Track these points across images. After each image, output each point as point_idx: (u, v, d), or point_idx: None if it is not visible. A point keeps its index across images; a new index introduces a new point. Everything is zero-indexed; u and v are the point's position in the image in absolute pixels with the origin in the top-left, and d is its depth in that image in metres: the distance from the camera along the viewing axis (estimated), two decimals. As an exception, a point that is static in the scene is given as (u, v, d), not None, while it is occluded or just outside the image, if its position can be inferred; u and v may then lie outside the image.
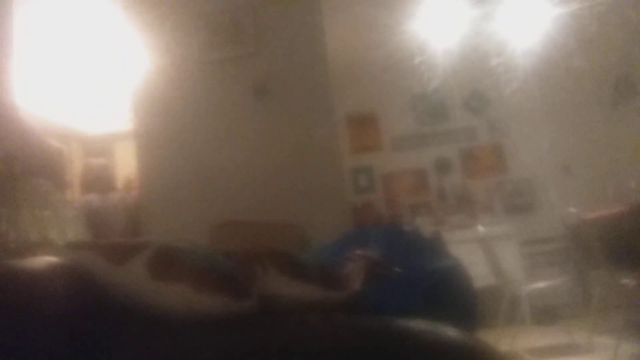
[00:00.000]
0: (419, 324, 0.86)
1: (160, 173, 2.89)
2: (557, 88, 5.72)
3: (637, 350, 3.77)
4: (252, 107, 2.90)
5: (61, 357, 0.83)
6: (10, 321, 0.78)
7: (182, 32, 2.93)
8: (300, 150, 2.89)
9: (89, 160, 4.63)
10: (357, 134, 5.98)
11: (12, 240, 1.09)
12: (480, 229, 4.98)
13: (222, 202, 2.73)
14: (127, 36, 2.99)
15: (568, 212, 4.65)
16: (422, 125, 6.07)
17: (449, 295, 1.06)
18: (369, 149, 5.99)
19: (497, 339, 4.05)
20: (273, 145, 2.89)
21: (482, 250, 4.40)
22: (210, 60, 2.94)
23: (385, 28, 4.60)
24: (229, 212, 2.33)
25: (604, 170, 5.80)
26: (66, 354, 0.83)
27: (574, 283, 4.66)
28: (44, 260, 0.92)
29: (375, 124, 6.01)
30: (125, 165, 4.91)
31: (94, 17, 3.56)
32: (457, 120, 6.09)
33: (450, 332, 0.85)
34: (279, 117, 2.92)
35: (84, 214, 2.54)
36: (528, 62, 5.11)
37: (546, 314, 5.13)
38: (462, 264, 1.14)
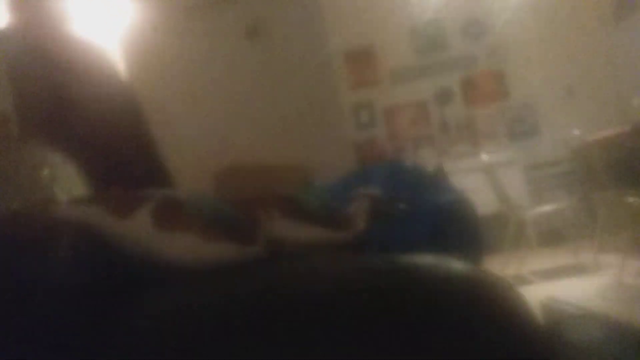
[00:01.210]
0: (424, 259, 0.87)
1: (157, 123, 2.87)
2: (555, 9, 5.59)
3: (643, 267, 3.83)
4: (246, 49, 2.86)
5: (72, 314, 0.83)
6: (14, 282, 0.78)
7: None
8: (297, 89, 2.86)
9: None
10: (356, 68, 5.89)
11: (14, 201, 1.10)
12: (484, 157, 4.97)
13: (222, 146, 2.73)
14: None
15: (571, 135, 4.64)
16: (421, 56, 5.97)
17: (453, 228, 1.06)
18: (368, 84, 5.92)
19: (505, 263, 4.12)
20: (270, 86, 2.87)
21: (487, 178, 4.41)
22: (200, 4, 2.87)
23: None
24: (230, 156, 2.33)
25: (606, 90, 5.74)
26: (77, 311, 0.84)
27: (579, 205, 4.69)
28: (47, 218, 0.92)
29: (373, 58, 5.91)
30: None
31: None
32: (456, 49, 5.98)
33: (456, 264, 0.85)
34: (274, 58, 2.87)
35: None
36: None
37: (552, 236, 5.19)
38: (466, 196, 1.14)
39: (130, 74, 2.88)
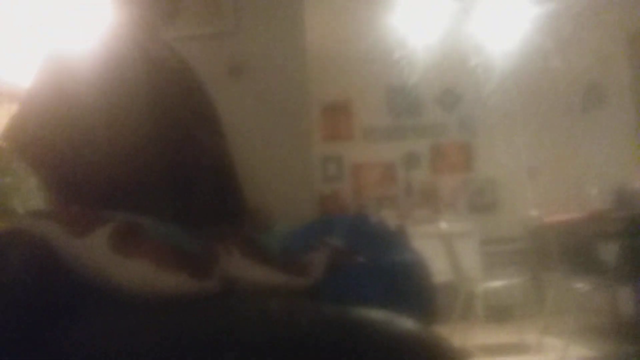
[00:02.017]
0: (377, 314, 0.87)
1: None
2: (530, 91, 5.80)
3: (585, 354, 3.88)
4: (227, 86, 2.87)
5: (15, 325, 0.81)
6: None
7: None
8: (272, 133, 2.88)
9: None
10: (330, 122, 5.98)
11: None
12: (443, 225, 5.05)
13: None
14: (97, 11, 2.92)
15: (529, 215, 4.75)
16: (395, 119, 6.10)
17: (409, 289, 1.07)
18: (340, 138, 6.00)
19: (450, 333, 4.12)
20: (244, 126, 2.87)
21: (443, 246, 4.46)
22: (186, 36, 2.90)
23: (366, 20, 4.60)
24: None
25: (567, 176, 5.92)
26: (20, 323, 0.82)
27: (528, 284, 4.77)
28: (1, 229, 0.90)
29: (348, 114, 6.02)
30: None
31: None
32: (429, 116, 6.13)
33: (407, 323, 0.86)
34: (252, 99, 2.90)
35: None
36: (505, 63, 5.17)
37: (500, 312, 5.24)
38: (425, 259, 1.16)
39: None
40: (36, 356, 0.83)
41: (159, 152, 1.09)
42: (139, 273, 0.88)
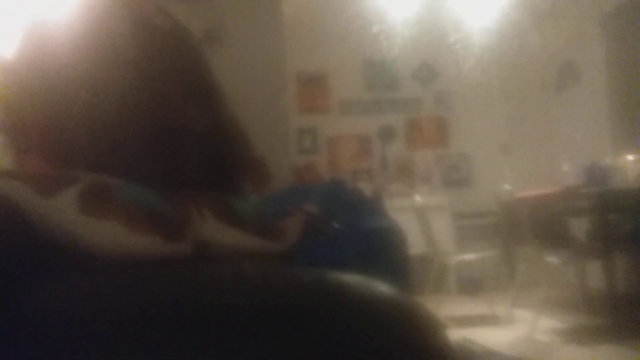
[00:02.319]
0: (352, 278, 0.86)
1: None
2: (506, 68, 5.83)
3: (554, 325, 3.96)
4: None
5: None
6: None
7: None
8: (247, 103, 2.84)
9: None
10: (306, 94, 5.94)
11: None
12: (418, 198, 5.08)
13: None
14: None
15: (502, 190, 4.81)
16: (371, 92, 6.08)
17: (384, 254, 1.06)
18: (316, 111, 5.97)
19: (423, 305, 4.18)
20: (229, 94, 2.83)
21: (417, 219, 4.49)
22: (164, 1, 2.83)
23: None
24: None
25: (540, 152, 5.99)
26: None
27: (500, 257, 4.84)
28: None
29: (324, 87, 5.98)
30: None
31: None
32: (405, 90, 6.13)
33: (383, 287, 0.85)
34: (229, 67, 2.84)
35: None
36: (482, 39, 5.18)
37: (471, 285, 5.33)
38: (400, 226, 1.15)
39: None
40: (1, 318, 0.81)
41: (145, 116, 1.07)
42: (109, 235, 0.86)
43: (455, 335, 3.58)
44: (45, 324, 0.77)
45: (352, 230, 1.04)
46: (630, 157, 4.20)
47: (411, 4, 5.15)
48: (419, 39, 5.44)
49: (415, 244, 4.05)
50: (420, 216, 4.55)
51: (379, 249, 1.05)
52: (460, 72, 5.60)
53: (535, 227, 3.94)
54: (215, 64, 2.87)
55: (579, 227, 4.30)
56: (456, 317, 4.46)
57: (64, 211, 0.85)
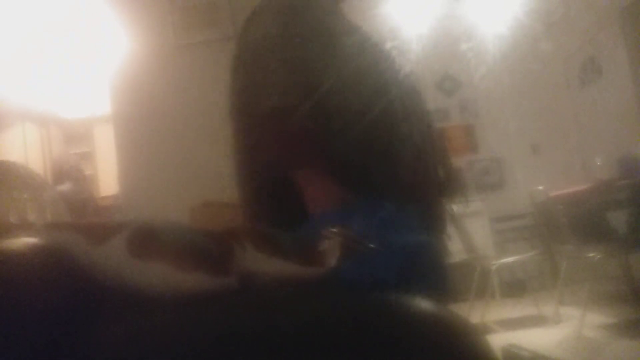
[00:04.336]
0: (392, 297, 0.89)
1: (139, 157, 2.89)
2: (525, 71, 5.81)
3: (602, 321, 3.90)
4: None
5: (40, 338, 0.83)
6: None
7: (158, 15, 2.90)
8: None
9: (63, 150, 4.56)
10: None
11: (-10, 222, 1.09)
12: (453, 207, 5.04)
13: (200, 184, 2.74)
14: (103, 19, 2.95)
15: (536, 190, 4.76)
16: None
17: (422, 269, 1.09)
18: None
19: (469, 311, 4.15)
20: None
21: (454, 228, 4.47)
22: (186, 44, 2.92)
23: (359, 12, 4.60)
24: (207, 194, 2.34)
25: (571, 149, 5.92)
26: (45, 335, 0.83)
27: (541, 257, 4.78)
28: (22, 242, 0.91)
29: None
30: (105, 148, 4.88)
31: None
32: (431, 102, 6.12)
33: (424, 304, 0.88)
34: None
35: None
36: (497, 46, 5.17)
37: (515, 287, 5.26)
38: (436, 239, 1.17)
39: (115, 108, 2.90)
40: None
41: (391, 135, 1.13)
42: (158, 275, 0.90)
43: (504, 339, 3.55)
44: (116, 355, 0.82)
45: (389, 248, 1.07)
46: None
47: (424, 17, 5.17)
48: (439, 51, 5.45)
49: (455, 252, 4.04)
50: (457, 224, 4.53)
51: (416, 264, 1.07)
52: (481, 80, 5.59)
53: (574, 224, 3.90)
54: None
55: (618, 219, 4.23)
56: (503, 321, 4.41)
57: (114, 256, 0.90)
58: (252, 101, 1.20)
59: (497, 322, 4.29)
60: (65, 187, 3.15)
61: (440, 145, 1.29)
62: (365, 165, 1.13)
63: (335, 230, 1.13)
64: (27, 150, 4.78)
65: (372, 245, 1.08)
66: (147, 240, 0.93)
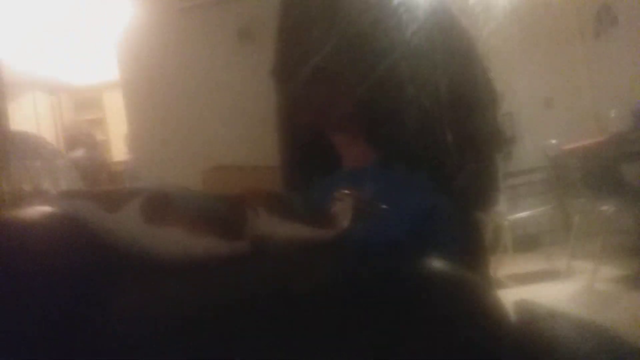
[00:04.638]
0: (407, 258, 0.90)
1: (149, 121, 2.90)
2: (537, 22, 5.69)
3: (615, 274, 3.91)
4: (238, 51, 2.88)
5: (58, 305, 0.84)
6: (4, 272, 0.79)
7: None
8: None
9: (74, 117, 4.57)
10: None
11: (5, 192, 1.10)
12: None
13: (212, 147, 2.75)
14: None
15: (548, 144, 4.72)
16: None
17: (435, 229, 1.09)
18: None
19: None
20: (260, 88, 2.87)
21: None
22: (192, 6, 2.89)
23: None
24: (219, 157, 2.35)
25: (585, 102, 5.85)
26: (63, 302, 0.85)
27: (554, 212, 4.78)
28: (37, 210, 0.92)
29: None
30: (115, 114, 4.89)
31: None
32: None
33: (435, 262, 0.88)
34: (265, 60, 2.88)
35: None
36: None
37: (527, 241, 5.28)
38: (449, 199, 1.18)
39: (123, 73, 2.89)
40: (83, 330, 0.87)
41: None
42: (173, 240, 0.92)
43: (516, 293, 3.58)
44: (121, 332, 0.83)
45: (400, 209, 1.07)
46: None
47: None
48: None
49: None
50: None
51: (429, 224, 1.08)
52: (491, 34, 5.49)
53: (587, 177, 3.88)
54: (251, 59, 2.93)
55: (632, 172, 4.20)
56: (515, 275, 4.44)
57: (129, 223, 0.92)
58: (295, 63, 1.20)
59: (510, 276, 4.32)
60: (78, 154, 3.17)
61: (461, 103, 1.27)
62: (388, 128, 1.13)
63: (346, 192, 1.13)
64: (38, 119, 4.81)
65: (384, 206, 1.09)
66: (161, 205, 0.94)
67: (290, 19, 1.25)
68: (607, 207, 3.84)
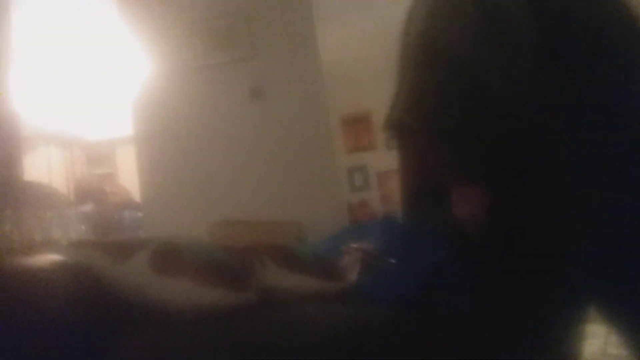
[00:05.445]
0: (411, 311, 0.89)
1: (160, 176, 2.93)
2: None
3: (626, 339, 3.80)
4: (249, 109, 2.93)
5: (65, 353, 0.84)
6: (14, 319, 0.79)
7: (178, 38, 2.96)
8: (296, 150, 2.92)
9: (86, 171, 4.63)
10: (352, 134, 6.00)
11: (16, 241, 1.11)
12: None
13: (220, 202, 2.76)
14: (124, 42, 3.02)
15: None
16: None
17: (442, 285, 1.08)
18: (363, 149, 6.01)
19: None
20: (270, 146, 2.92)
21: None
22: (206, 65, 2.97)
23: (375, 31, 4.63)
24: (227, 212, 2.35)
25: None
26: (70, 350, 0.84)
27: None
28: (47, 259, 0.93)
29: (369, 125, 6.03)
30: (126, 169, 4.95)
31: (91, 23, 3.58)
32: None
33: (445, 320, 0.87)
34: (275, 119, 2.95)
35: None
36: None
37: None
38: (456, 255, 1.17)
39: (137, 129, 2.95)
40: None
41: None
42: (181, 291, 0.91)
43: None
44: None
45: (408, 264, 1.07)
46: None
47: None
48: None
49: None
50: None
51: (437, 280, 1.07)
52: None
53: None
54: (263, 117, 2.98)
55: None
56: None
57: (137, 273, 0.92)
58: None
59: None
60: (88, 207, 3.21)
61: None
62: None
63: (355, 245, 1.13)
64: (51, 172, 4.88)
65: (392, 261, 1.08)
66: (170, 256, 0.94)
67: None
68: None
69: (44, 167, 4.90)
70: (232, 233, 1.78)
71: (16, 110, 1.96)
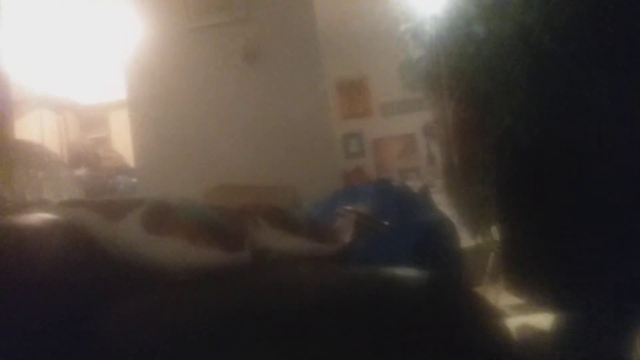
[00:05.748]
0: (405, 273, 0.89)
1: (154, 141, 2.91)
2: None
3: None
4: (243, 73, 2.90)
5: (57, 312, 0.84)
6: (5, 277, 0.78)
7: (171, -1, 2.92)
8: (291, 115, 2.90)
9: (79, 136, 4.60)
10: (347, 100, 5.97)
11: (7, 200, 1.10)
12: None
13: (215, 167, 2.75)
14: (117, 3, 2.96)
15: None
16: (411, 92, 6.05)
17: (435, 247, 1.08)
18: (359, 115, 5.98)
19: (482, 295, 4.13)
20: (264, 110, 2.90)
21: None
22: (199, 27, 2.92)
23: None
24: (222, 177, 2.34)
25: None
26: (62, 309, 0.84)
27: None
28: (39, 217, 0.92)
29: (365, 91, 5.99)
30: (120, 133, 4.92)
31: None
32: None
33: (436, 278, 0.88)
34: (270, 83, 2.92)
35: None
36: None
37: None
38: (449, 220, 1.17)
39: (130, 93, 2.92)
40: (81, 337, 0.86)
41: None
42: (173, 250, 0.91)
43: (517, 323, 3.53)
44: (118, 341, 0.82)
45: (402, 226, 1.07)
46: None
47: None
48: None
49: (469, 236, 4.01)
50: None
51: (430, 242, 1.07)
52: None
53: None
54: (257, 80, 2.94)
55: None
56: (517, 305, 4.39)
57: (130, 232, 0.91)
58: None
59: (510, 306, 4.27)
60: (82, 172, 3.19)
61: None
62: None
63: (349, 208, 1.13)
64: (44, 137, 4.85)
65: (386, 223, 1.09)
66: (163, 215, 0.94)
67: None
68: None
69: (36, 131, 4.86)
70: (227, 197, 1.78)
71: (5, 70, 1.93)
